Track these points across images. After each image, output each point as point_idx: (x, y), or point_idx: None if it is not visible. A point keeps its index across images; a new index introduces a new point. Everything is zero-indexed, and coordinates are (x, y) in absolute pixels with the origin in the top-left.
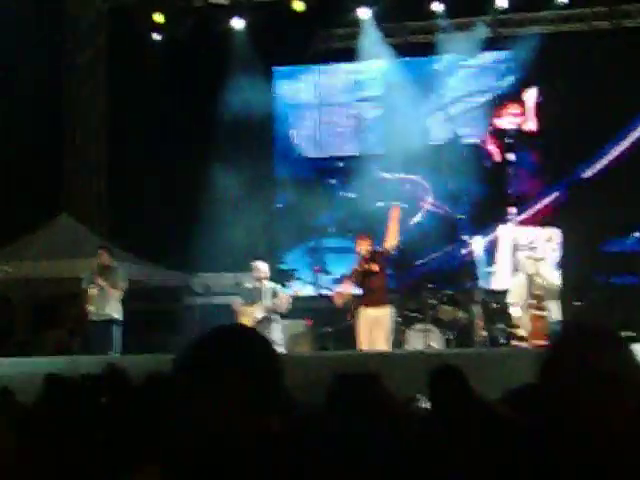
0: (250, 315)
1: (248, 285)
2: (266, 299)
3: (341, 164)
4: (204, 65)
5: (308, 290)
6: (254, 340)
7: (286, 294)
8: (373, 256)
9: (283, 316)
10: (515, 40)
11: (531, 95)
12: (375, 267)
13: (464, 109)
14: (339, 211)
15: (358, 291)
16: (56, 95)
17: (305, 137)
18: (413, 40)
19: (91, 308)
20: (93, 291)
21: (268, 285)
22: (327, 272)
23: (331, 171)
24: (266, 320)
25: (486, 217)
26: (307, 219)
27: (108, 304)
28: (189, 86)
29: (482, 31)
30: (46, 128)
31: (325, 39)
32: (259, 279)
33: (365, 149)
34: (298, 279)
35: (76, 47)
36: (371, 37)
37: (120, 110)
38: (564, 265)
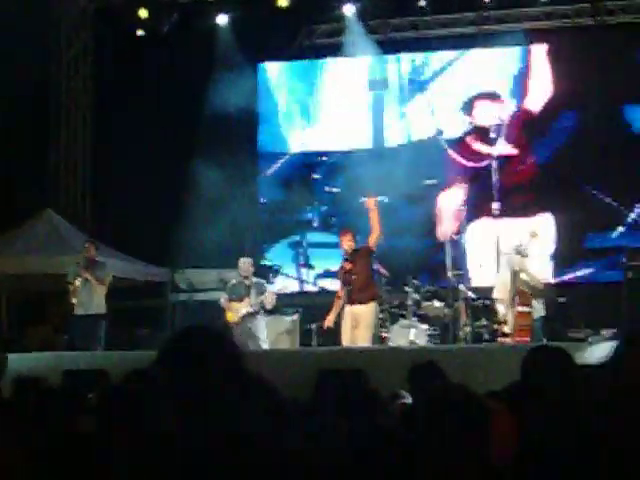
0: (236, 311)
1: (234, 281)
2: (252, 295)
3: (325, 159)
4: (188, 61)
5: (293, 286)
6: (222, 343)
7: (272, 291)
8: (353, 254)
9: (268, 312)
10: (499, 37)
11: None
12: (350, 266)
13: (447, 105)
14: (323, 206)
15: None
16: (41, 92)
17: (289, 132)
18: (398, 36)
19: (75, 301)
20: (78, 284)
21: (255, 281)
22: (311, 267)
23: (315, 166)
24: (252, 316)
25: (469, 211)
26: (291, 214)
27: (94, 299)
28: (173, 82)
29: (466, 28)
30: (31, 125)
31: (309, 35)
32: (246, 275)
33: (350, 144)
34: (282, 275)
35: (61, 45)
36: (356, 33)
37: (105, 107)
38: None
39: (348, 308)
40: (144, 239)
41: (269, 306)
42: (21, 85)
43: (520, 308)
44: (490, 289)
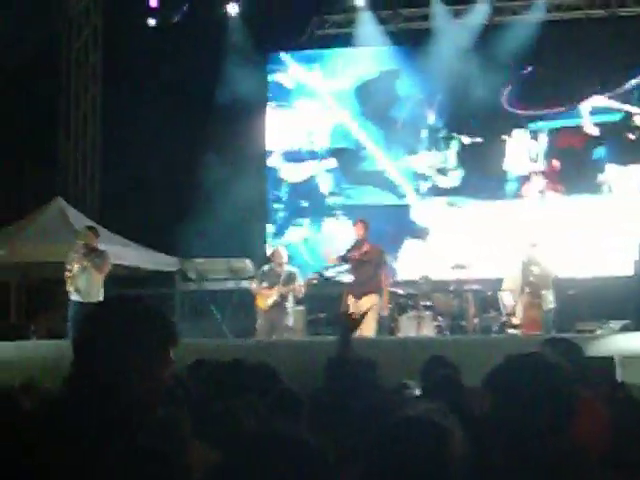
0: (267, 298)
1: (266, 268)
2: (282, 284)
3: (333, 148)
4: (198, 50)
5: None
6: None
7: (300, 281)
8: (359, 245)
9: (297, 302)
10: (510, 28)
11: None
12: (352, 255)
13: None
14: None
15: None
16: (51, 80)
17: (299, 122)
18: (409, 27)
19: (71, 288)
20: (75, 270)
21: (286, 270)
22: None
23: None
24: (279, 305)
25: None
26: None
27: (92, 287)
28: (183, 71)
29: (478, 19)
30: (40, 112)
31: (320, 25)
32: (280, 263)
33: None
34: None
35: (72, 31)
36: (366, 24)
37: (114, 94)
38: None
39: (352, 300)
40: (153, 227)
41: (299, 295)
42: (31, 72)
43: (530, 299)
44: (499, 280)
